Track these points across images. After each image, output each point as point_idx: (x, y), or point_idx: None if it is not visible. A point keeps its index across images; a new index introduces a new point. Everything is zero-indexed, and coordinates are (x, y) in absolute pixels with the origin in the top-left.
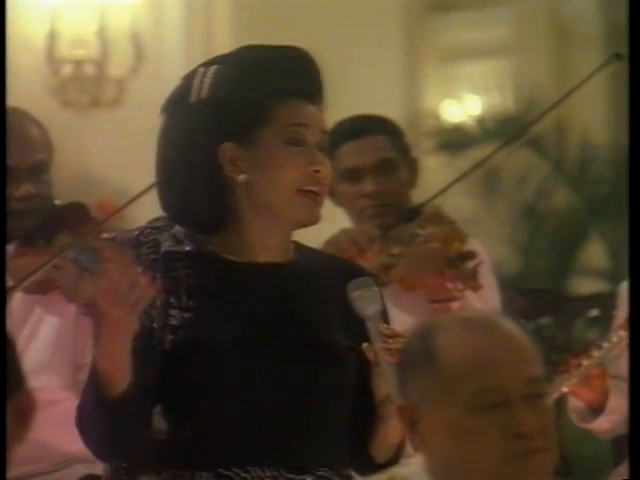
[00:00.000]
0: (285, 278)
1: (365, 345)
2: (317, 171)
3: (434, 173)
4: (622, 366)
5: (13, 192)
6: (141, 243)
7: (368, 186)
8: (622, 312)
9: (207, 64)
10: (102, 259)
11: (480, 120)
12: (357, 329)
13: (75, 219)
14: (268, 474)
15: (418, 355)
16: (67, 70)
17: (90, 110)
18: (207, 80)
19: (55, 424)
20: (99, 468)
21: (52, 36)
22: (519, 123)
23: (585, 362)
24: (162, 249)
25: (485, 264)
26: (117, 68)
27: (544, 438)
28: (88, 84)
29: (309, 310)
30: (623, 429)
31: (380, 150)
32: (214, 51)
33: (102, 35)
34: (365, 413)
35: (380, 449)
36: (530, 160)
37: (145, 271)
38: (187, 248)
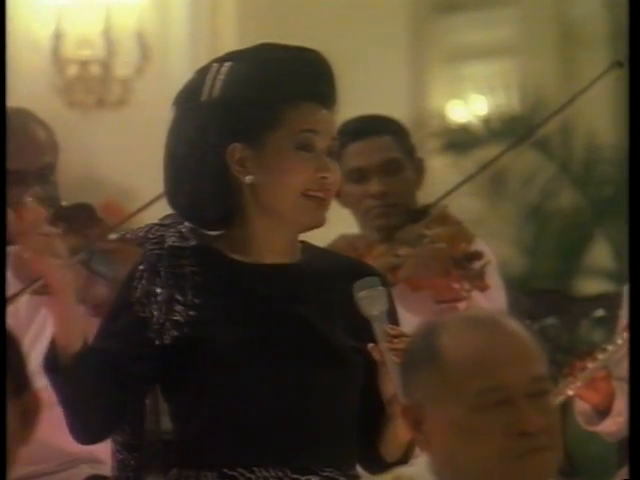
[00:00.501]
0: (291, 279)
1: (371, 345)
2: (325, 177)
3: (440, 173)
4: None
5: (22, 196)
6: (148, 239)
7: (374, 186)
8: (627, 312)
9: (221, 60)
10: (112, 262)
11: (486, 120)
12: (363, 329)
13: (82, 220)
14: (273, 474)
15: (422, 354)
16: (72, 70)
17: (95, 110)
18: (220, 78)
19: (60, 424)
20: (105, 468)
21: (57, 36)
22: (525, 123)
23: (590, 365)
24: (166, 244)
25: (492, 264)
26: (122, 68)
27: (548, 436)
28: (93, 84)
29: (314, 311)
30: None
31: (385, 150)
32: (219, 51)
33: (107, 35)
34: (373, 413)
35: (389, 448)
36: (536, 161)
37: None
38: (192, 243)
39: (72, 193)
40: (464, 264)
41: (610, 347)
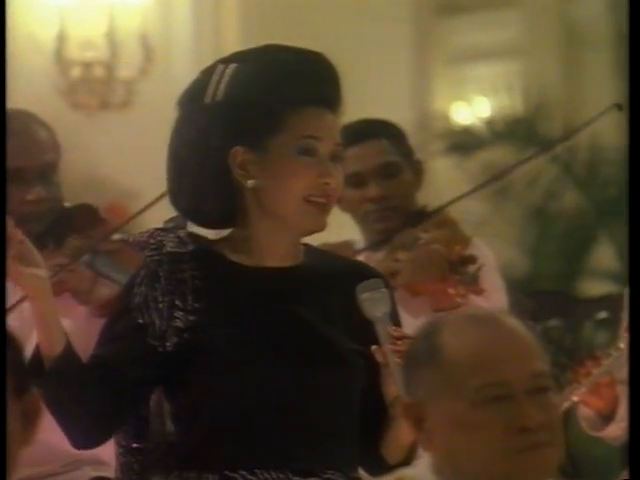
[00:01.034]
0: (292, 282)
1: (374, 347)
2: (327, 183)
3: (443, 175)
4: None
5: (24, 195)
6: (148, 245)
7: (372, 190)
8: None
9: (227, 61)
10: (116, 262)
11: (489, 122)
12: (366, 331)
13: (85, 221)
14: (274, 477)
15: (423, 352)
16: (76, 72)
17: (99, 112)
18: (224, 80)
19: None
20: (108, 470)
21: (61, 38)
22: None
23: (594, 371)
24: (165, 250)
25: (488, 266)
26: (126, 70)
27: (549, 432)
28: (97, 86)
29: (315, 313)
30: None
31: (383, 154)
32: (223, 52)
33: (111, 37)
34: (376, 415)
35: (392, 450)
36: (539, 162)
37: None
38: (190, 248)
39: (75, 194)
40: (459, 268)
41: (614, 352)
